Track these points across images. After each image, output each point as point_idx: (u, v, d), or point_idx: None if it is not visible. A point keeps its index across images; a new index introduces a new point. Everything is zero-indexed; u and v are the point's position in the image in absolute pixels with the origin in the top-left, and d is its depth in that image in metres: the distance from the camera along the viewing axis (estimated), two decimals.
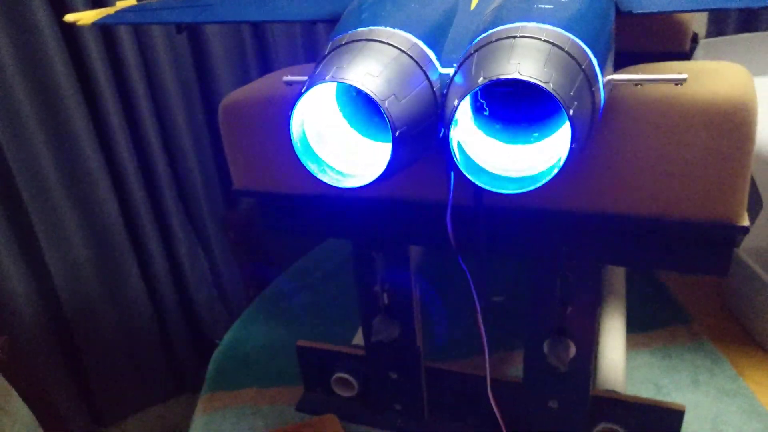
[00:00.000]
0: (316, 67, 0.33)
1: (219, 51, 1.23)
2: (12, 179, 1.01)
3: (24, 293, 1.05)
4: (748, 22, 1.43)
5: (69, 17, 0.65)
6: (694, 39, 0.70)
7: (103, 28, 1.07)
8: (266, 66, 1.33)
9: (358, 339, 0.66)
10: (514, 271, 0.84)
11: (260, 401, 0.69)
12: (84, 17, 0.65)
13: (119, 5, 0.68)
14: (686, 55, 0.69)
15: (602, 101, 0.33)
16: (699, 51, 0.73)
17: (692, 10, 0.51)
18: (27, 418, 0.70)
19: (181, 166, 1.23)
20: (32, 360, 1.08)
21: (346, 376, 0.64)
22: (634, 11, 0.42)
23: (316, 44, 1.42)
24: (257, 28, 1.26)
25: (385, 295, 0.58)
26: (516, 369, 0.68)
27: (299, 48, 1.38)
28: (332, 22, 0.56)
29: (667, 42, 0.68)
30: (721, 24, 1.44)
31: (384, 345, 0.60)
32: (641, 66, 0.43)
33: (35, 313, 1.08)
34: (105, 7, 0.68)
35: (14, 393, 0.70)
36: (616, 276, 0.76)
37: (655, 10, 0.43)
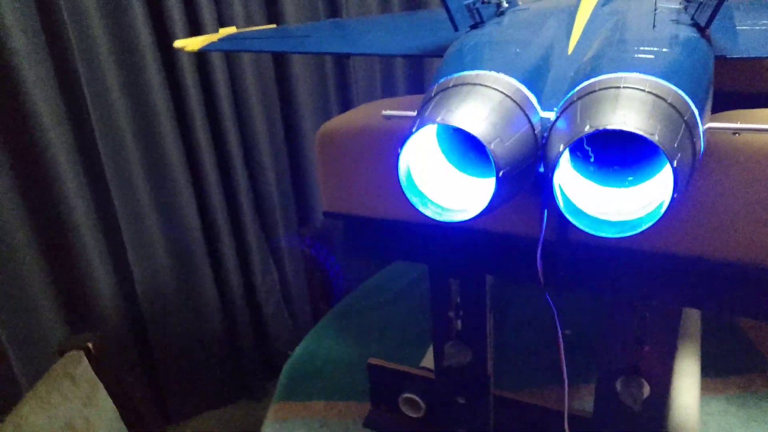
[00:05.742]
0: (424, 107, 0.36)
1: (302, 77, 1.29)
2: (107, 188, 1.09)
3: (110, 294, 1.13)
4: None
5: (178, 44, 0.71)
6: None
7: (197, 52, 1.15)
8: (346, 93, 1.39)
9: (427, 361, 0.67)
10: (580, 305, 0.83)
11: (329, 414, 0.71)
12: (191, 44, 0.70)
13: (222, 33, 0.73)
14: None
15: (701, 150, 0.34)
16: None
17: None
18: (111, 412, 0.75)
19: (260, 181, 1.29)
20: (115, 356, 1.15)
21: (414, 397, 0.66)
22: (728, 56, 0.43)
23: (392, 74, 1.47)
24: (340, 57, 1.31)
25: (458, 321, 0.59)
26: (581, 403, 0.68)
27: (377, 75, 1.43)
28: (417, 57, 0.58)
29: (764, 84, 0.66)
30: None
31: (454, 370, 0.61)
32: (738, 113, 0.44)
33: (118, 313, 1.16)
34: (209, 34, 0.73)
35: (101, 386, 0.75)
36: (691, 317, 0.75)
37: (750, 56, 0.43)
